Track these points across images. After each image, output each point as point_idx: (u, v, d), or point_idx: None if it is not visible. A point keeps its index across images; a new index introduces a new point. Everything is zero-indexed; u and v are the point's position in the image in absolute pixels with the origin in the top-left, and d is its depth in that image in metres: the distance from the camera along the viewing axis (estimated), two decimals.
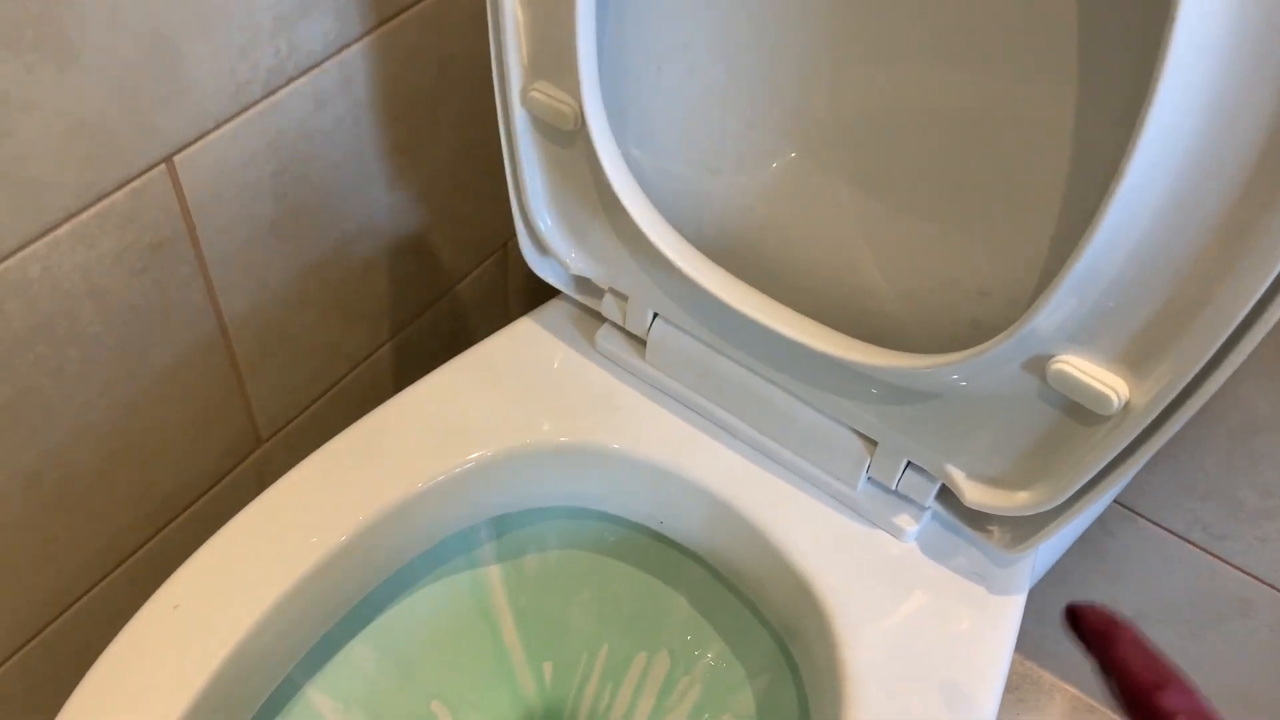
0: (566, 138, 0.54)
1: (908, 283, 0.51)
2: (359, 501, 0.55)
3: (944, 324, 0.50)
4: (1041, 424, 0.47)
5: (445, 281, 0.83)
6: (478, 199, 0.81)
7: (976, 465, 0.51)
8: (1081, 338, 0.43)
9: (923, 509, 0.55)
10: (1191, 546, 0.76)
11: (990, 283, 0.48)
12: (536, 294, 0.97)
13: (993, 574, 0.54)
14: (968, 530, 0.55)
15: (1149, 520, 0.77)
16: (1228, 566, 0.75)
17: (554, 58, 0.51)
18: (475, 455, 0.57)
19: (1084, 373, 0.43)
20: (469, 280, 0.86)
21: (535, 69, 0.52)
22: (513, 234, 0.88)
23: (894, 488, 0.55)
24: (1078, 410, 0.45)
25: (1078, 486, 0.47)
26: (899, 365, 0.48)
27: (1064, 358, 0.44)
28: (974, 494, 0.51)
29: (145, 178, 0.56)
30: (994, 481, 0.51)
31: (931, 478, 0.54)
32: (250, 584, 0.51)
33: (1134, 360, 0.42)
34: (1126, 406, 0.43)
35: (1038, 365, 0.45)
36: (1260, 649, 0.78)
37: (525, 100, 0.53)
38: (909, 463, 0.54)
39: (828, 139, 0.50)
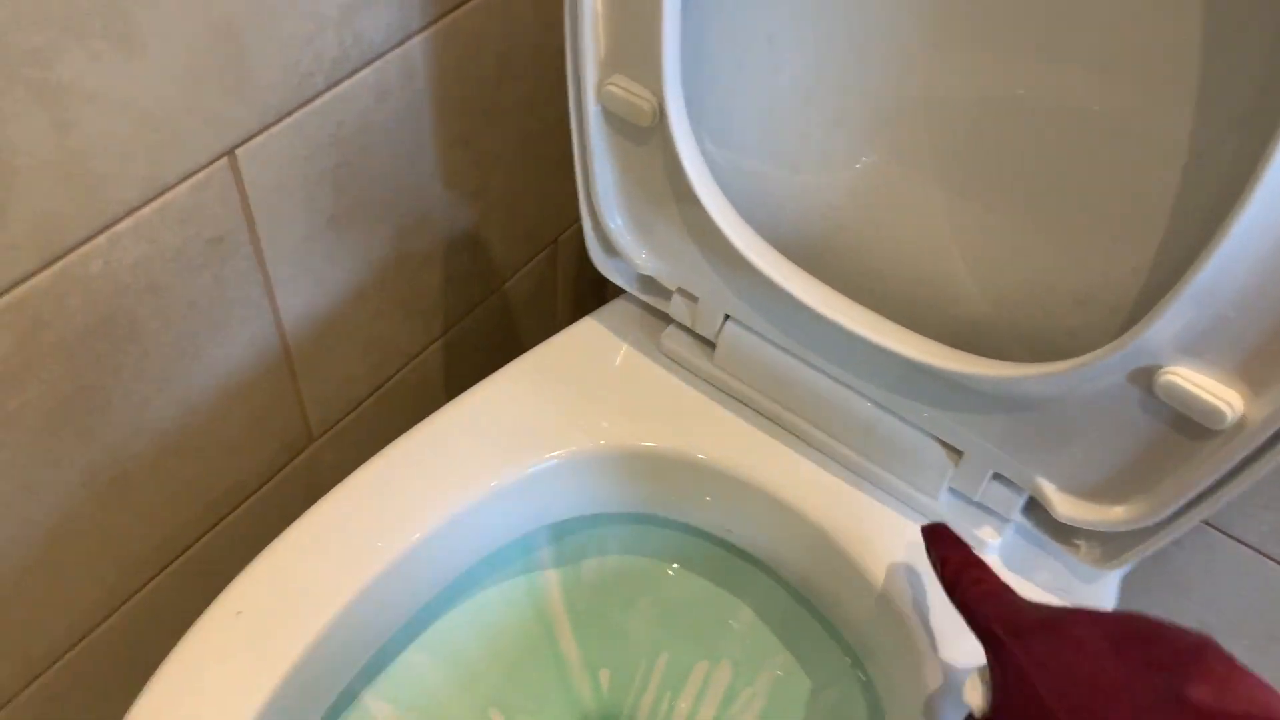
0: (642, 134, 0.52)
1: (1000, 288, 0.49)
2: (423, 507, 0.53)
3: (1037, 332, 0.48)
4: (1144, 437, 0.45)
5: (497, 277, 0.82)
6: (532, 193, 0.80)
7: (1070, 478, 0.49)
8: (1196, 349, 0.41)
9: (1006, 521, 0.53)
10: (1265, 559, 0.73)
11: (1090, 290, 0.46)
12: (585, 291, 0.96)
13: (1079, 590, 0.52)
14: (1053, 544, 0.53)
15: (1220, 531, 0.74)
16: None
17: (635, 50, 0.49)
18: (540, 461, 0.56)
19: (1196, 385, 0.41)
20: (519, 276, 0.85)
21: (613, 62, 0.51)
22: (564, 229, 0.87)
23: (976, 499, 0.53)
24: (1185, 424, 0.43)
25: (1180, 504, 0.45)
26: (997, 375, 0.46)
27: (1175, 369, 0.42)
28: (1066, 508, 0.49)
29: (207, 171, 0.54)
30: (1089, 495, 0.49)
31: (1018, 489, 0.52)
32: (315, 591, 0.50)
33: (1252, 373, 0.40)
34: (1240, 421, 0.41)
35: (1145, 376, 0.43)
36: None
37: (601, 95, 0.52)
38: (995, 474, 0.52)
39: (919, 136, 0.48)
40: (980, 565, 0.44)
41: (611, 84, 0.51)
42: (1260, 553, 0.73)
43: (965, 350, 0.49)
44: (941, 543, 0.46)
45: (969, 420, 0.50)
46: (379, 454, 0.56)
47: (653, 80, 0.49)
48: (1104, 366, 0.42)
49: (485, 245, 0.78)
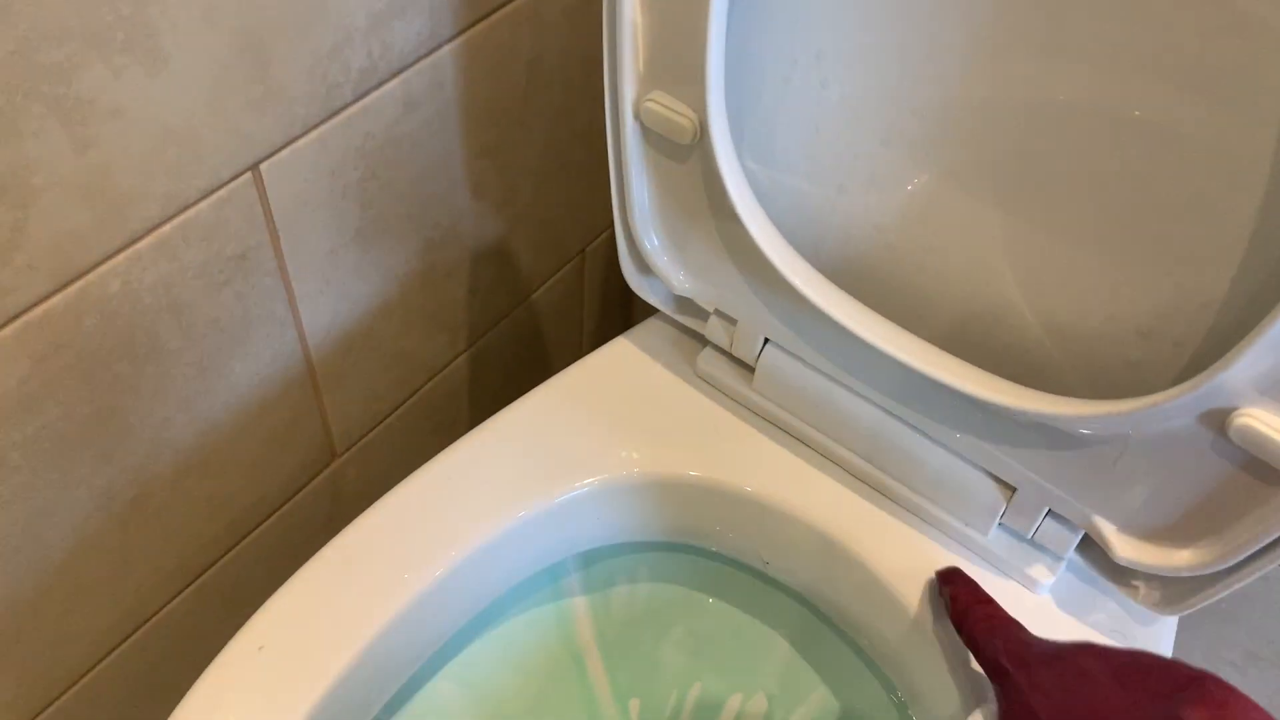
0: (682, 151, 0.50)
1: (1058, 317, 0.46)
2: (450, 537, 0.51)
3: (1097, 364, 0.46)
4: (1214, 480, 0.42)
5: (524, 289, 0.80)
6: (559, 203, 0.78)
7: (1132, 519, 0.46)
8: (1275, 391, 0.38)
9: (1060, 559, 0.51)
10: None
11: (1155, 322, 0.44)
12: (614, 301, 0.94)
13: (1135, 633, 0.50)
14: (1109, 584, 0.51)
15: None
16: None
17: (676, 66, 0.47)
18: (569, 490, 0.54)
19: (1274, 429, 0.39)
20: (545, 288, 0.83)
21: (652, 78, 0.48)
22: (591, 240, 0.85)
23: (1030, 536, 0.51)
24: (1260, 468, 0.41)
25: (1251, 551, 0.43)
26: (1057, 412, 0.43)
27: (1251, 411, 0.39)
28: (1126, 550, 0.47)
29: (231, 186, 0.52)
30: (1151, 537, 0.46)
31: (1074, 527, 0.49)
32: (339, 624, 0.48)
33: None
34: None
35: (1218, 417, 0.40)
36: None
37: (639, 111, 0.49)
38: (1050, 510, 0.49)
39: (973, 154, 0.45)
40: (990, 602, 0.46)
41: (651, 100, 0.49)
42: None
43: (1019, 383, 0.47)
44: (952, 582, 0.48)
45: (1023, 456, 0.48)
46: (404, 481, 0.54)
47: (695, 97, 0.47)
48: (1173, 408, 0.40)
49: (512, 256, 0.76)
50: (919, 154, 0.47)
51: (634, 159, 0.52)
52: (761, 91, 0.49)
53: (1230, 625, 0.78)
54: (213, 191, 0.52)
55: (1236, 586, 0.45)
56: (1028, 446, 0.47)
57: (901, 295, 0.51)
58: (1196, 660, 0.82)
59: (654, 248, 0.55)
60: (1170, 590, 0.48)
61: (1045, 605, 0.51)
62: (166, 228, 0.51)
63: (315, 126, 0.55)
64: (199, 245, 0.53)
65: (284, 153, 0.54)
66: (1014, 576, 0.51)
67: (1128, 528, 0.47)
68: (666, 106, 0.48)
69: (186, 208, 0.51)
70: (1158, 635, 0.50)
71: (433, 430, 0.79)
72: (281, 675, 0.47)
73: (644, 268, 0.57)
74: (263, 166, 0.53)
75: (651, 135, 0.51)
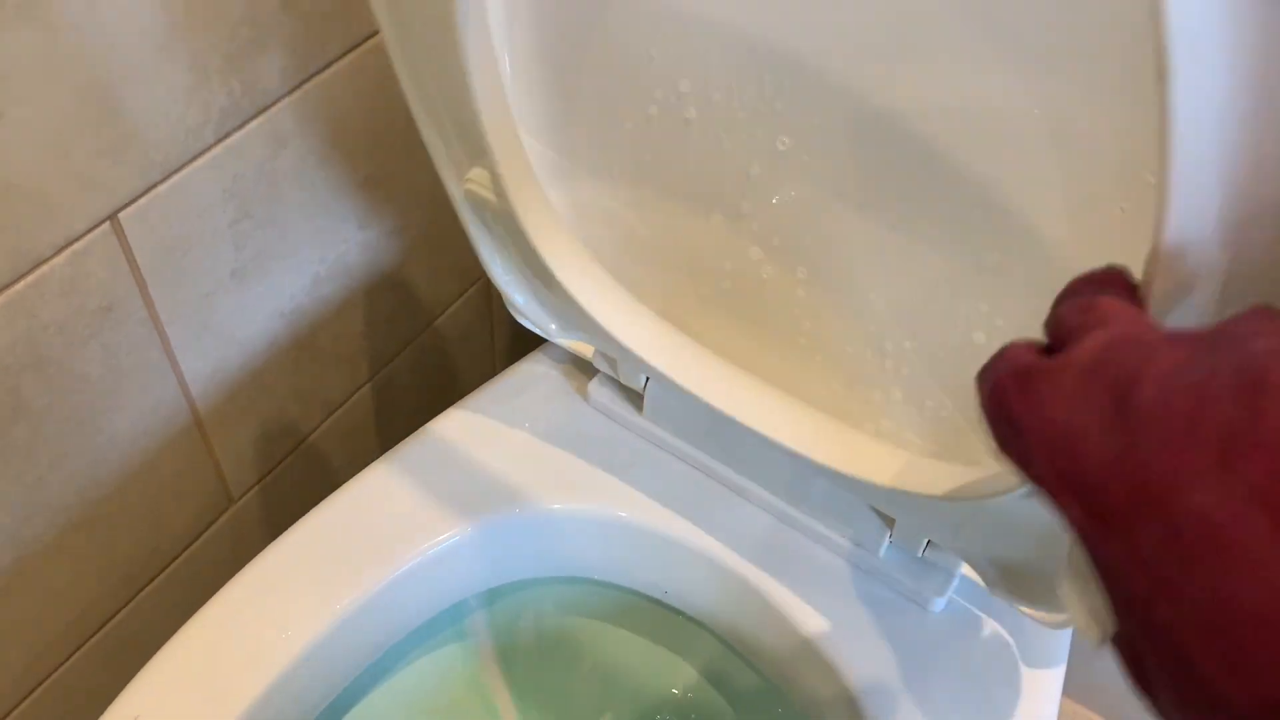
0: (511, 223, 0.49)
1: (929, 341, 0.46)
2: (333, 591, 0.50)
3: (969, 393, 0.46)
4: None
5: (426, 316, 0.78)
6: (457, 228, 0.76)
7: (997, 569, 0.46)
8: None
9: (952, 575, 0.51)
10: None
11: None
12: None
13: (1030, 645, 0.50)
14: (1000, 602, 0.50)
15: None
16: None
17: (475, 146, 0.46)
18: (459, 530, 0.53)
19: None
20: (451, 311, 0.81)
21: (467, 157, 0.48)
22: None
23: (920, 554, 0.51)
24: None
25: None
26: (921, 493, 0.42)
27: None
28: (997, 589, 0.46)
29: (87, 239, 0.50)
30: (1017, 589, 0.46)
31: None
32: (219, 689, 0.47)
33: None
34: None
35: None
36: None
37: (465, 194, 0.49)
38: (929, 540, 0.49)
39: (839, 166, 0.45)
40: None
41: (469, 179, 0.48)
42: None
43: (897, 407, 0.46)
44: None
45: (886, 503, 0.47)
46: (286, 532, 0.52)
47: (492, 175, 0.46)
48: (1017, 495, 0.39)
49: (410, 284, 0.75)
50: (786, 170, 0.46)
51: (479, 233, 0.51)
52: (622, 131, 0.48)
53: None
54: (68, 245, 0.50)
55: None
56: (887, 501, 0.47)
57: (775, 319, 0.50)
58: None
59: (522, 304, 0.54)
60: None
61: (941, 622, 0.51)
62: (19, 286, 0.49)
63: (177, 171, 0.53)
64: (58, 301, 0.51)
65: (144, 200, 0.52)
66: (908, 595, 0.51)
67: (994, 578, 0.46)
68: (479, 184, 0.48)
69: (40, 264, 0.49)
70: (1053, 646, 0.50)
71: (342, 465, 0.77)
72: None
73: (520, 314, 0.57)
74: (122, 215, 0.51)
75: (480, 209, 0.50)
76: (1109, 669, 0.82)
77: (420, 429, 0.58)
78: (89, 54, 0.46)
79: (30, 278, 0.49)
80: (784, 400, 0.47)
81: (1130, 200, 0.39)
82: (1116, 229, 0.39)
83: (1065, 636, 0.51)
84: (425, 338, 0.80)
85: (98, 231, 0.51)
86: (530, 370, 0.60)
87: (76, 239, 0.50)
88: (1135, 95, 0.36)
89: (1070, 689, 0.89)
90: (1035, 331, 0.31)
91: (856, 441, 0.44)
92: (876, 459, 0.43)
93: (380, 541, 0.52)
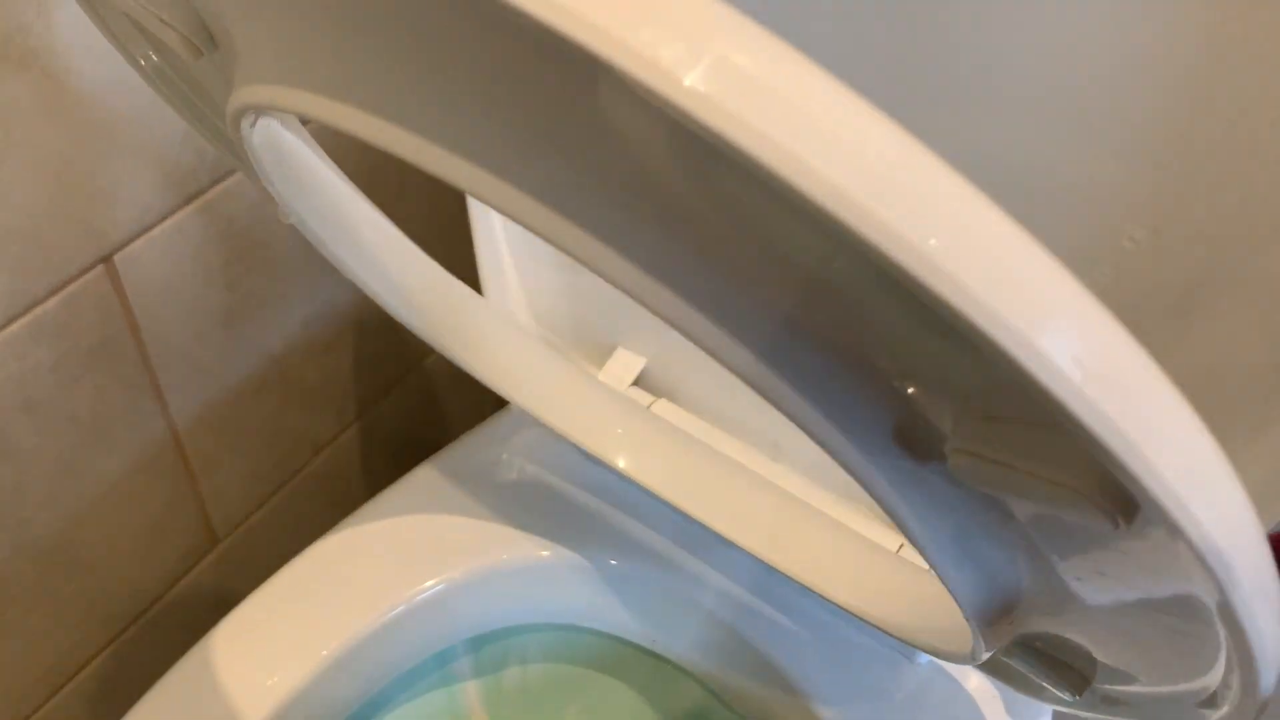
0: None
1: None
2: (318, 637, 0.50)
3: None
4: None
5: (415, 356, 0.79)
6: (447, 267, 0.77)
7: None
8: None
9: None
10: None
11: None
12: None
13: (1016, 698, 0.50)
14: None
15: None
16: None
17: None
18: (445, 576, 0.52)
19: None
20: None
21: None
22: None
23: None
24: None
25: None
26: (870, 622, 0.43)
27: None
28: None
29: (81, 281, 0.51)
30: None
31: None
32: None
33: None
34: None
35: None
36: None
37: None
38: None
39: None
40: None
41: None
42: None
43: None
44: None
45: None
46: (270, 580, 0.52)
47: None
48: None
49: (399, 324, 0.75)
50: None
51: None
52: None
53: None
54: (62, 287, 0.50)
55: None
56: None
57: None
58: None
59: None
60: None
61: (926, 673, 0.51)
62: (13, 327, 0.49)
63: (170, 214, 0.53)
64: (50, 342, 0.51)
65: (138, 243, 0.52)
66: (893, 645, 0.51)
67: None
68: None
69: (34, 306, 0.49)
70: (1038, 705, 0.50)
71: (328, 504, 0.77)
72: None
73: None
74: (116, 258, 0.52)
75: None
76: None
77: (408, 474, 0.58)
78: (88, 99, 0.46)
79: (24, 320, 0.49)
80: (748, 496, 0.47)
81: (1110, 266, 0.40)
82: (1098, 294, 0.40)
83: None
84: (414, 378, 0.80)
85: (92, 274, 0.51)
86: (520, 414, 0.60)
87: (71, 280, 0.50)
88: (1115, 146, 0.37)
89: None
90: None
91: (819, 547, 0.45)
92: (836, 570, 0.44)
93: (366, 588, 0.52)
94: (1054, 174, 0.40)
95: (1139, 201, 0.39)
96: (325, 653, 0.50)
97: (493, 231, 0.56)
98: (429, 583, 0.52)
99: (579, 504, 0.56)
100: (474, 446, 0.59)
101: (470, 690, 0.60)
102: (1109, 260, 0.40)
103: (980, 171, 0.38)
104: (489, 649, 0.60)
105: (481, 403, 0.91)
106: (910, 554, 0.51)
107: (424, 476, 0.57)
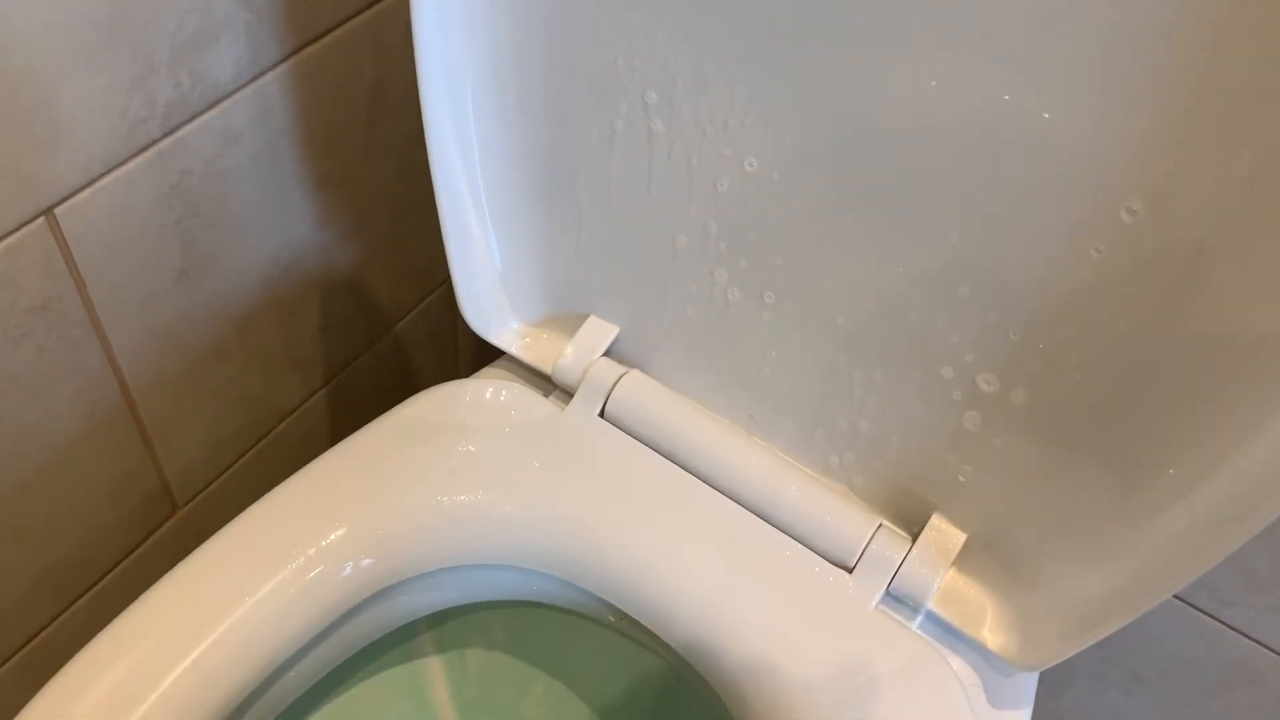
0: None
1: (895, 367, 0.44)
2: (272, 605, 0.47)
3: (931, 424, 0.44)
4: None
5: (385, 321, 0.76)
6: (420, 231, 0.74)
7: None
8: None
9: (919, 609, 0.49)
10: (1196, 612, 0.70)
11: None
12: None
13: (994, 683, 0.48)
14: (969, 637, 0.49)
15: None
16: (1235, 634, 0.69)
17: None
18: (406, 548, 0.50)
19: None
20: (412, 317, 0.79)
21: None
22: None
23: (888, 584, 0.49)
24: None
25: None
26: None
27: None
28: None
29: (21, 234, 0.48)
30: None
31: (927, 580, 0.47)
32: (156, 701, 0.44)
33: None
34: None
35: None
36: (1267, 717, 0.73)
37: None
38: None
39: (813, 193, 0.43)
40: None
41: None
42: (1192, 605, 0.70)
43: (864, 446, 0.44)
44: None
45: None
46: (205, 544, 0.50)
47: None
48: None
49: (369, 287, 0.72)
50: (755, 189, 0.45)
51: None
52: (586, 143, 0.46)
53: (1114, 646, 0.77)
54: None
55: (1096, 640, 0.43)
56: None
57: (745, 339, 0.49)
58: (1082, 681, 0.81)
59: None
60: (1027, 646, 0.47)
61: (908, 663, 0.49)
62: None
63: (119, 166, 0.50)
64: None
65: (83, 195, 0.49)
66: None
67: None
68: None
69: None
70: (1018, 686, 0.48)
71: (290, 472, 0.75)
72: None
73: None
74: (58, 211, 0.49)
75: None
76: (1074, 699, 0.81)
77: (354, 433, 0.55)
78: (23, 41, 0.43)
79: None
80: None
81: (1105, 243, 0.37)
82: (1090, 273, 0.38)
83: (1032, 680, 0.49)
84: (384, 344, 0.77)
85: (32, 227, 0.48)
86: (492, 377, 0.58)
87: (8, 234, 0.47)
88: (1119, 104, 0.35)
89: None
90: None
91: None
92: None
93: (319, 557, 0.49)
94: (1053, 139, 0.37)
95: (1137, 170, 0.36)
96: (286, 623, 0.47)
97: (460, 204, 0.53)
98: (387, 553, 0.50)
99: (549, 471, 0.53)
100: (440, 405, 0.56)
101: (433, 666, 0.58)
102: (1106, 233, 0.37)
103: (975, 133, 0.35)
104: (451, 625, 0.58)
105: (456, 372, 0.89)
106: (891, 531, 0.49)
107: (386, 429, 0.55)
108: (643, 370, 0.54)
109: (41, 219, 0.48)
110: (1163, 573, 0.41)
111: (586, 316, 0.55)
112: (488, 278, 0.55)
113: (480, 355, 0.90)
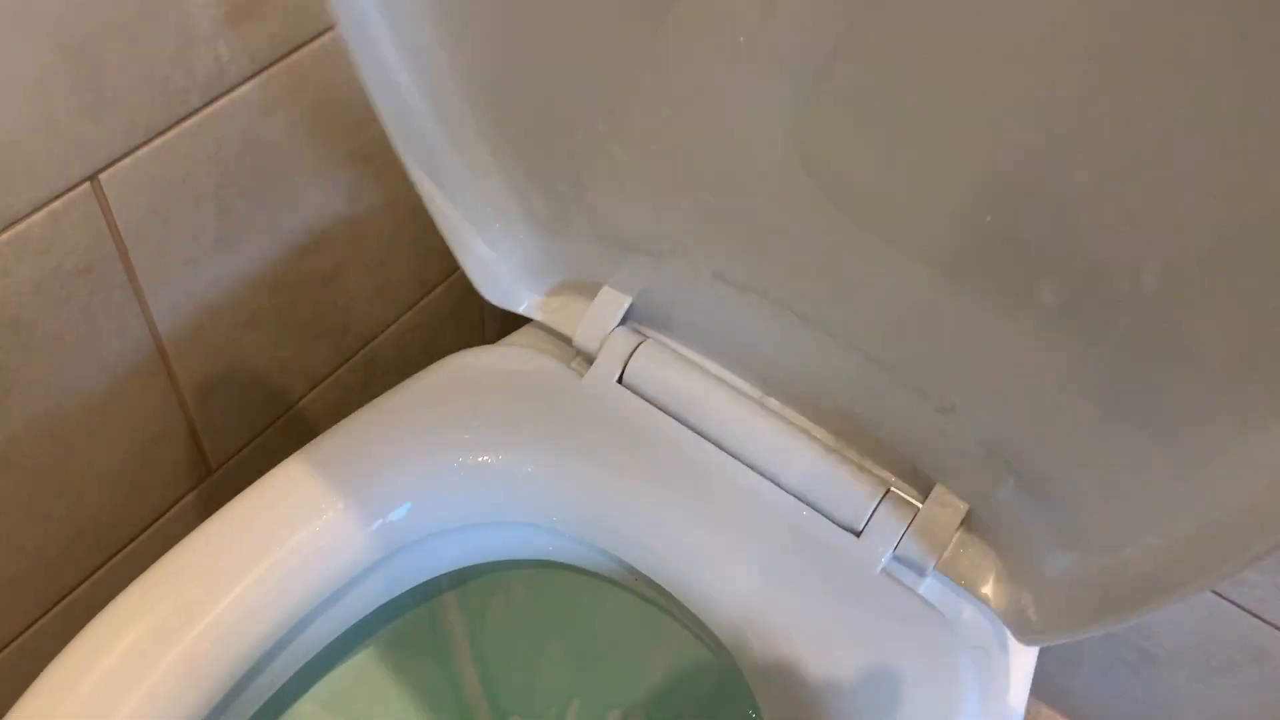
0: None
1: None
2: (298, 564, 0.49)
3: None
4: None
5: (414, 292, 0.78)
6: (420, 231, 0.76)
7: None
8: None
9: (924, 572, 0.50)
10: (1207, 591, 0.71)
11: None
12: None
13: (997, 649, 0.49)
14: (976, 602, 0.50)
15: None
16: (1243, 612, 0.70)
17: None
18: (432, 508, 0.52)
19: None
20: (441, 290, 0.81)
21: None
22: None
23: (895, 546, 0.50)
24: None
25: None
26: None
27: None
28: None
29: (66, 198, 0.50)
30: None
31: (931, 551, 0.49)
32: (186, 654, 0.46)
33: None
34: None
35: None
36: (1275, 695, 0.74)
37: None
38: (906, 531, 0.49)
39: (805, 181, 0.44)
40: None
41: None
42: None
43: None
44: None
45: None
46: (231, 504, 0.51)
47: None
48: None
49: (399, 261, 0.74)
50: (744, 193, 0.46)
51: None
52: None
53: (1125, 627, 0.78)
54: (46, 204, 0.49)
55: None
56: None
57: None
58: (1093, 659, 0.82)
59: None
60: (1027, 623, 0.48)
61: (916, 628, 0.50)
62: None
63: (160, 134, 0.52)
64: (34, 260, 0.50)
65: (126, 162, 0.52)
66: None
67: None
68: None
69: (16, 222, 0.49)
70: (1019, 653, 0.50)
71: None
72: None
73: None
74: (102, 176, 0.51)
75: None
76: (1083, 677, 0.82)
77: (393, 389, 0.57)
78: (72, 10, 0.45)
79: (5, 235, 0.48)
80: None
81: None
82: None
83: (1032, 650, 0.50)
84: (413, 315, 0.79)
85: (77, 192, 0.50)
86: (518, 343, 0.60)
87: (55, 198, 0.49)
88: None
89: (1041, 691, 0.89)
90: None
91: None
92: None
93: (346, 515, 0.51)
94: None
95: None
96: (308, 580, 0.49)
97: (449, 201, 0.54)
98: (415, 512, 0.52)
99: (571, 437, 0.54)
100: (461, 373, 0.58)
101: (455, 624, 0.60)
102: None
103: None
104: (474, 584, 0.60)
105: (480, 340, 0.91)
106: (899, 496, 0.50)
107: (410, 395, 0.56)
108: (662, 335, 0.56)
109: (86, 184, 0.51)
110: (1176, 572, 0.40)
111: (600, 287, 0.56)
112: (499, 267, 0.57)
113: (505, 329, 0.92)
